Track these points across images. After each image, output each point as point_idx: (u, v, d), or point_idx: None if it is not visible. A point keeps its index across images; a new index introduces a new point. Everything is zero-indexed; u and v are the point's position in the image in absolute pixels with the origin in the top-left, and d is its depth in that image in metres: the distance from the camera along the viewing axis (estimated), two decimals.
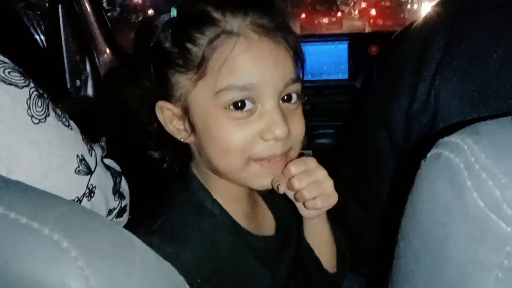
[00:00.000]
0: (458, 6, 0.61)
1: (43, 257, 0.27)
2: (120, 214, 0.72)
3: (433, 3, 0.65)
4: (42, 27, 1.47)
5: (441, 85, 0.57)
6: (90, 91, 1.49)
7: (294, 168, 0.54)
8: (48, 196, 0.32)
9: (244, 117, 0.51)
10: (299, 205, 0.58)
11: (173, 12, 0.53)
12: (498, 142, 0.29)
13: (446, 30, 0.59)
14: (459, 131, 0.31)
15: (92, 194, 0.63)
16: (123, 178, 0.73)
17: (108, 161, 0.72)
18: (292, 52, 0.53)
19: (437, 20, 0.62)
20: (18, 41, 1.29)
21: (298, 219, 0.62)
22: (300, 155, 0.58)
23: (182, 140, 0.56)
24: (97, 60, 1.50)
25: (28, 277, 0.27)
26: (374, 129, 0.69)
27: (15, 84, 0.54)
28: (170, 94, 0.54)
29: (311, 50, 1.54)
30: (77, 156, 0.60)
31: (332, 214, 0.62)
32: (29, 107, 0.54)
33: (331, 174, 0.56)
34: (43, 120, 0.56)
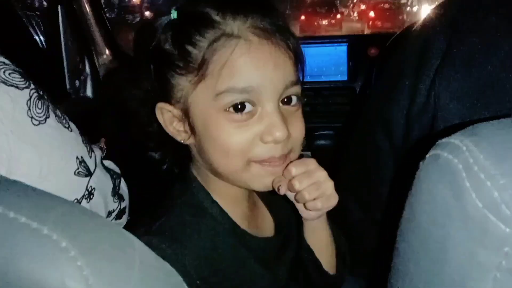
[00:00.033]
0: (458, 7, 0.61)
1: (42, 256, 0.27)
2: (119, 216, 0.72)
3: (432, 5, 0.65)
4: (42, 27, 1.47)
5: (441, 86, 0.58)
6: (89, 92, 1.49)
7: (295, 169, 0.54)
8: (48, 196, 0.32)
9: (244, 120, 0.51)
10: (299, 206, 0.58)
11: (173, 14, 0.53)
12: (497, 144, 0.29)
13: (446, 31, 0.59)
14: (458, 132, 0.31)
15: (91, 196, 0.63)
16: (122, 179, 0.73)
17: (107, 162, 0.72)
18: (292, 54, 0.53)
19: (438, 21, 0.62)
20: (17, 42, 1.29)
21: (298, 220, 0.62)
22: (299, 156, 0.58)
23: (182, 141, 0.56)
24: (96, 61, 1.50)
25: (27, 276, 0.27)
26: (374, 129, 0.70)
27: (15, 85, 0.54)
28: (170, 95, 0.54)
29: (310, 52, 1.54)
30: (77, 157, 0.60)
31: (332, 215, 0.62)
32: (29, 109, 0.54)
33: (330, 175, 0.57)
34: (43, 122, 0.56)
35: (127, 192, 0.75)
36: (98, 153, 0.67)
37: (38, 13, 1.51)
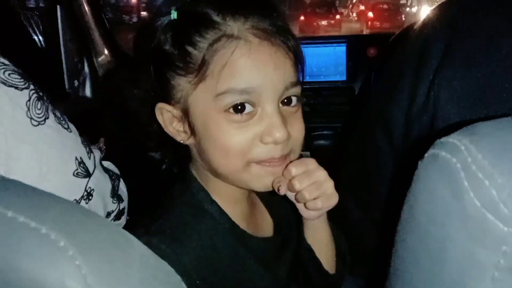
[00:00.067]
0: (458, 8, 0.61)
1: (41, 255, 0.27)
2: (118, 217, 0.71)
3: (431, 5, 0.66)
4: (41, 27, 1.47)
5: (441, 86, 0.58)
6: (88, 92, 1.49)
7: (295, 169, 0.54)
8: (47, 196, 0.32)
9: (244, 120, 0.51)
10: (299, 206, 0.58)
11: (174, 15, 0.53)
12: (495, 143, 0.29)
13: (446, 31, 0.59)
14: (457, 132, 0.31)
15: (90, 197, 0.62)
16: (121, 180, 0.73)
17: (106, 163, 0.72)
18: (292, 55, 0.54)
19: (437, 21, 0.62)
20: (16, 42, 1.29)
21: (298, 220, 0.62)
22: (299, 156, 0.58)
23: (181, 141, 0.56)
24: (95, 61, 1.50)
25: (26, 275, 0.27)
26: (374, 129, 0.70)
27: (15, 86, 0.54)
28: (170, 96, 0.54)
29: (310, 52, 1.54)
30: (76, 158, 0.60)
31: (332, 215, 0.62)
32: (28, 109, 0.54)
33: (330, 175, 0.57)
34: (42, 122, 0.56)
35: (126, 193, 0.74)
36: (97, 154, 0.66)
37: (37, 12, 1.51)
